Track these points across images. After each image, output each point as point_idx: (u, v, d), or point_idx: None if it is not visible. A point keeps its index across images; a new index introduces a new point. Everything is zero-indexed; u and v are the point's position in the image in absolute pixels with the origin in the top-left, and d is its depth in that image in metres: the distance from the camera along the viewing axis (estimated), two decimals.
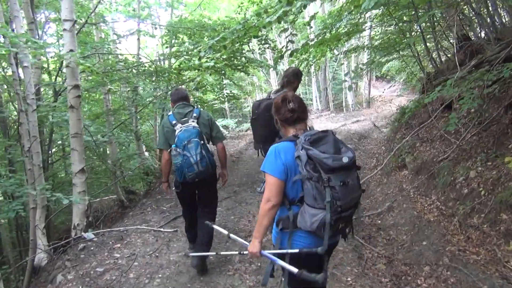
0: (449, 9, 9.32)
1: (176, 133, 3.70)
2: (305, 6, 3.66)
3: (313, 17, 8.30)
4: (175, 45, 8.46)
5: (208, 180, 3.88)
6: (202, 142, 3.68)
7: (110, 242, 5.00)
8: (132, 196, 10.14)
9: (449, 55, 10.64)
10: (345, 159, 2.09)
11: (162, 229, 5.43)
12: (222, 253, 3.96)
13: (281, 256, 2.31)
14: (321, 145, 2.16)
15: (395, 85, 31.42)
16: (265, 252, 2.36)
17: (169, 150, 3.82)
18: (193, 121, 3.75)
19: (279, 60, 11.11)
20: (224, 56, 7.05)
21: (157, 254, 4.63)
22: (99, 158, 9.70)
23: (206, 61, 4.81)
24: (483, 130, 5.67)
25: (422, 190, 5.95)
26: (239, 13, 8.84)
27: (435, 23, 11.16)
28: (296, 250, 2.25)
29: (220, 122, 19.06)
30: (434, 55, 12.03)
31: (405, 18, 11.42)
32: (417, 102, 5.46)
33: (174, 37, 8.09)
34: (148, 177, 9.76)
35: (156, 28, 10.92)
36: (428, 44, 11.44)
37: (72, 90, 5.02)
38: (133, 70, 7.99)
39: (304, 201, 2.16)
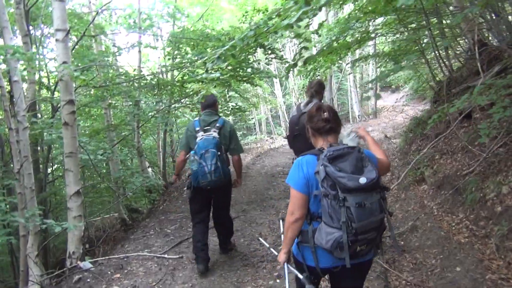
0: (466, 13, 9.00)
1: (197, 140, 3.99)
2: (320, 8, 3.25)
3: (321, 24, 7.93)
4: (178, 56, 8.10)
5: (221, 188, 4.15)
6: (219, 153, 3.91)
7: (109, 272, 4.55)
8: (135, 215, 9.73)
9: (462, 61, 10.21)
10: (362, 180, 1.96)
11: (166, 256, 4.99)
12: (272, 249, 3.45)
13: (300, 270, 2.37)
14: (340, 162, 2.05)
15: (404, 95, 31.16)
16: (287, 265, 2.43)
17: (187, 154, 4.13)
18: (214, 131, 4.01)
19: (289, 70, 10.86)
20: (230, 67, 6.70)
21: (160, 286, 4.18)
22: (100, 177, 9.30)
23: (211, 72, 4.52)
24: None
25: (446, 207, 5.48)
26: (243, 22, 8.50)
27: (445, 29, 10.80)
28: (313, 264, 2.25)
29: None
30: (447, 62, 11.64)
31: (414, 25, 11.07)
32: (441, 111, 5.00)
33: (177, 48, 7.74)
34: (151, 195, 9.35)
35: (157, 40, 10.61)
36: (439, 51, 11.08)
37: (66, 105, 4.64)
38: (135, 84, 7.63)
39: (322, 218, 2.11)
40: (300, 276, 2.29)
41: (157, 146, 12.07)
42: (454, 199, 5.48)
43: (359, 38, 8.65)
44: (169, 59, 8.77)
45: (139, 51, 9.49)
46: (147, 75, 8.16)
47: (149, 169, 11.86)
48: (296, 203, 2.20)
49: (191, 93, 8.23)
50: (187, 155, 4.18)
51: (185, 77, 7.53)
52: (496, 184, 4.82)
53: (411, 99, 29.18)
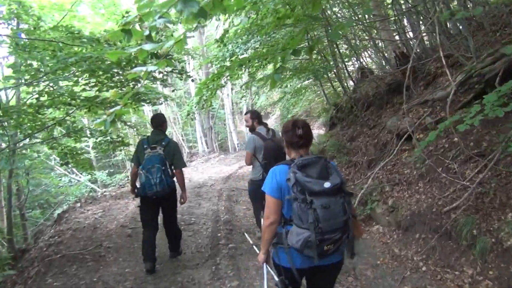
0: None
1: (145, 156, 4.52)
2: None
3: (225, 32, 6.23)
4: (28, 68, 5.17)
5: (166, 196, 4.65)
6: (163, 167, 4.50)
7: None
8: None
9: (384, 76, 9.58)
10: (326, 184, 2.21)
11: None
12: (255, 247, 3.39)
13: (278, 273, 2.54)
14: (308, 169, 2.29)
15: (275, 120, 31.35)
16: (265, 265, 2.61)
17: (138, 168, 4.58)
18: (160, 149, 4.57)
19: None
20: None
21: None
22: None
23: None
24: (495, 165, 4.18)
25: (437, 259, 4.11)
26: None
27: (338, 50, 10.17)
28: (288, 265, 2.39)
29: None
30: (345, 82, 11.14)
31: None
32: (439, 131, 3.62)
33: (27, 54, 4.82)
34: None
35: None
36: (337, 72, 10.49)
37: None
38: None
39: (293, 221, 2.28)
40: (276, 278, 2.51)
41: None
42: (443, 245, 4.17)
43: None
44: (14, 72, 5.66)
45: None
46: None
47: None
48: (271, 208, 2.37)
49: (50, 123, 5.57)
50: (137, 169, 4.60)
51: (42, 98, 4.98)
52: (509, 225, 3.63)
53: (280, 124, 29.62)
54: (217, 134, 22.40)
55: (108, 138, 6.20)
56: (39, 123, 5.59)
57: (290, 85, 14.95)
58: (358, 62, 10.61)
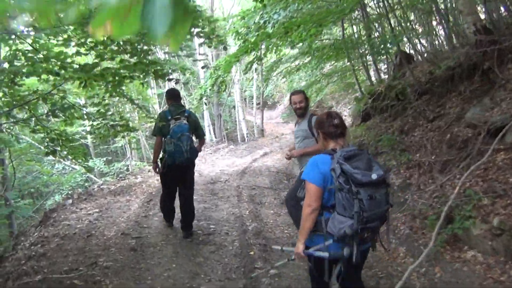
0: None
1: (170, 127, 4.67)
2: None
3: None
4: None
5: (191, 166, 4.98)
6: (191, 136, 4.81)
7: None
8: None
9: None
10: (373, 176, 2.28)
11: None
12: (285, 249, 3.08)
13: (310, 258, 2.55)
14: (354, 161, 2.34)
15: (282, 111, 29.85)
16: (306, 251, 2.50)
17: (163, 139, 4.77)
18: (184, 119, 4.75)
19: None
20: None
21: None
22: None
23: None
24: None
25: None
26: None
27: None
28: (326, 254, 2.40)
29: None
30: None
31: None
32: None
33: None
34: None
35: None
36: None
37: None
38: None
39: (336, 209, 2.34)
40: (322, 253, 2.42)
41: None
42: None
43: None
44: None
45: None
46: None
47: None
48: (313, 196, 2.39)
49: (31, 97, 4.08)
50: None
51: (18, 64, 3.53)
52: None
53: (287, 115, 28.06)
54: (226, 123, 20.96)
55: (109, 121, 4.70)
56: (17, 97, 4.12)
57: (312, 72, 13.53)
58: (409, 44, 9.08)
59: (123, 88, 4.57)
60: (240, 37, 7.10)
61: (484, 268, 3.68)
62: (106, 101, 5.02)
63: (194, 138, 5.02)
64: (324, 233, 2.39)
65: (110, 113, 5.34)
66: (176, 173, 4.84)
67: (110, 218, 6.03)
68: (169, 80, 5.68)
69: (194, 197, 5.45)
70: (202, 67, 13.30)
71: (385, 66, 11.12)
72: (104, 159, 16.20)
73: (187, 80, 15.81)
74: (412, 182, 5.41)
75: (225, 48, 5.20)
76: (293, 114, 27.88)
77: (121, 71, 4.12)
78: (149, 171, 10.12)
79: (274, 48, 5.97)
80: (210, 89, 9.02)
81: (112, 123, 5.02)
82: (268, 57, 11.16)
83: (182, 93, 18.10)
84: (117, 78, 4.24)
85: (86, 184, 14.31)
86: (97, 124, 4.79)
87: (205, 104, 12.96)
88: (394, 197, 5.42)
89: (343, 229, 2.25)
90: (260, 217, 6.05)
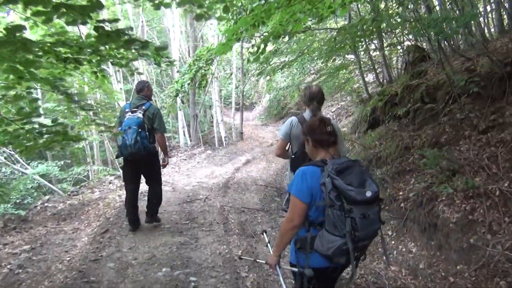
0: None
1: (124, 119, 4.72)
2: None
3: None
4: None
5: (142, 159, 4.74)
6: (139, 130, 4.61)
7: None
8: None
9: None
10: (368, 194, 2.05)
11: None
12: (258, 260, 3.16)
13: (294, 273, 2.40)
14: (347, 175, 2.10)
15: (260, 112, 28.21)
16: (279, 267, 2.46)
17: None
18: (140, 112, 4.71)
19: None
20: None
21: None
22: None
23: None
24: None
25: None
26: None
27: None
28: (311, 271, 2.23)
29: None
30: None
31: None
32: None
33: None
34: None
35: None
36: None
37: None
38: None
39: (325, 226, 2.13)
40: (295, 269, 2.32)
41: None
42: None
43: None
44: None
45: None
46: None
47: None
48: (296, 211, 2.20)
49: None
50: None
51: None
52: None
53: (266, 117, 26.43)
54: (200, 124, 19.09)
55: (33, 125, 2.90)
56: None
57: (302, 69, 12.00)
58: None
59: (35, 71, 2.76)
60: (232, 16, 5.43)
61: None
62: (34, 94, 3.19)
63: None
64: (307, 251, 2.23)
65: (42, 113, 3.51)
66: (132, 167, 4.90)
67: (43, 262, 4.19)
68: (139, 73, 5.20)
69: (166, 226, 5.37)
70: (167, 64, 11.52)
71: (397, 63, 9.64)
72: (62, 162, 14.06)
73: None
74: (477, 219, 3.86)
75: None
76: (271, 117, 26.43)
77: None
78: (110, 182, 8.22)
79: (294, 21, 4.25)
80: (188, 84, 7.25)
81: (43, 129, 3.20)
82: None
83: (155, 89, 16.24)
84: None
85: (35, 193, 12.22)
86: (14, 130, 2.97)
87: (182, 102, 11.11)
88: (452, 239, 3.87)
89: (332, 248, 2.08)
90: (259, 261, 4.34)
